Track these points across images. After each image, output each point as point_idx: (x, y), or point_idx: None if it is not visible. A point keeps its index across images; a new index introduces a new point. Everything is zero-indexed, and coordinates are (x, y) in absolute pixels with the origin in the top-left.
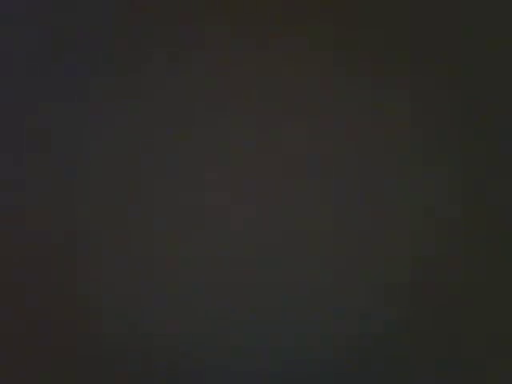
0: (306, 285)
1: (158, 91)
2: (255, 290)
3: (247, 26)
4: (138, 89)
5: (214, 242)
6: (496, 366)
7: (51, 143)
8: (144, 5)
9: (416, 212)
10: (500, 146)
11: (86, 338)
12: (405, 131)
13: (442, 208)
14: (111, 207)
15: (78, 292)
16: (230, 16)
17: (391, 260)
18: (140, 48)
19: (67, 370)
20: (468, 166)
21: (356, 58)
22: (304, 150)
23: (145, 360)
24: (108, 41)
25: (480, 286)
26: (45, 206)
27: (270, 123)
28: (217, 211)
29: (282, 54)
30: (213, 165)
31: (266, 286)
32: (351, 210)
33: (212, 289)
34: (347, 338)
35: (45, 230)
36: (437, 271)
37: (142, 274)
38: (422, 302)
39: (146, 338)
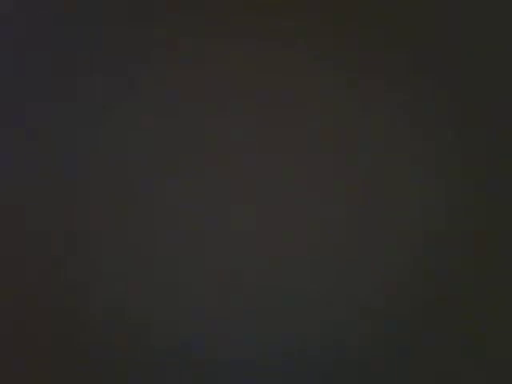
0: (306, 285)
1: (158, 91)
2: (255, 290)
3: (247, 25)
4: (137, 89)
5: (214, 242)
6: (496, 366)
7: (51, 143)
8: (144, 5)
9: (416, 212)
10: (500, 145)
11: (86, 338)
12: (405, 131)
13: (442, 208)
14: (111, 207)
15: (77, 293)
16: (230, 15)
17: (391, 259)
18: (140, 48)
19: (67, 369)
20: (468, 166)
21: (356, 59)
22: (304, 151)
23: (145, 360)
24: (108, 41)
25: (480, 286)
26: (45, 206)
27: (270, 123)
28: (217, 211)
29: (283, 54)
30: (212, 165)
31: (266, 285)
32: (351, 210)
33: (212, 289)
34: (347, 337)
35: (45, 230)
36: (437, 271)
37: (142, 273)
38: (422, 302)
39: (146, 338)
